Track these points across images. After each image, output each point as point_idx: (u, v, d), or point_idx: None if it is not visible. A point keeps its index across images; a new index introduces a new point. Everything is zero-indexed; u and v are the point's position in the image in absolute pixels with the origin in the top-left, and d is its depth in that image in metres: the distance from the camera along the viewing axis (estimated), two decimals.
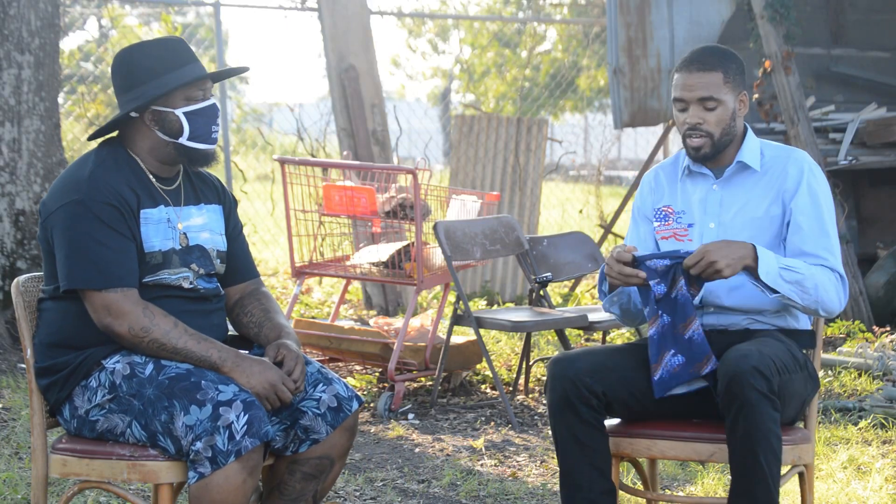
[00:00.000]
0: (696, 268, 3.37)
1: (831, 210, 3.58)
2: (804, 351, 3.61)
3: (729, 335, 3.56)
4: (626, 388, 3.48)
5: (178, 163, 3.39)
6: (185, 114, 3.32)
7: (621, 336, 7.56)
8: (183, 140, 3.33)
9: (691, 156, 3.58)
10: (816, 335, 3.66)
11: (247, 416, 3.12)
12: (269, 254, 11.36)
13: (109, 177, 3.27)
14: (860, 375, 6.56)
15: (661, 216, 3.67)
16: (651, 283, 3.43)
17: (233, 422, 3.10)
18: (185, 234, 3.37)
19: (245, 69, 3.56)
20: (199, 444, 3.10)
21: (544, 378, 6.14)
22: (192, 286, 3.36)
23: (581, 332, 7.57)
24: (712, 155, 3.56)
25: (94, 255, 3.20)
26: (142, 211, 3.30)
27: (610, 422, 3.59)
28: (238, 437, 3.10)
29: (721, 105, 3.52)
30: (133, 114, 3.32)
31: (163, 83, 3.29)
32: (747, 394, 3.24)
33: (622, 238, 9.95)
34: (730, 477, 3.38)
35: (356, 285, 8.94)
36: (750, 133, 3.63)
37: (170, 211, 3.36)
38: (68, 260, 3.22)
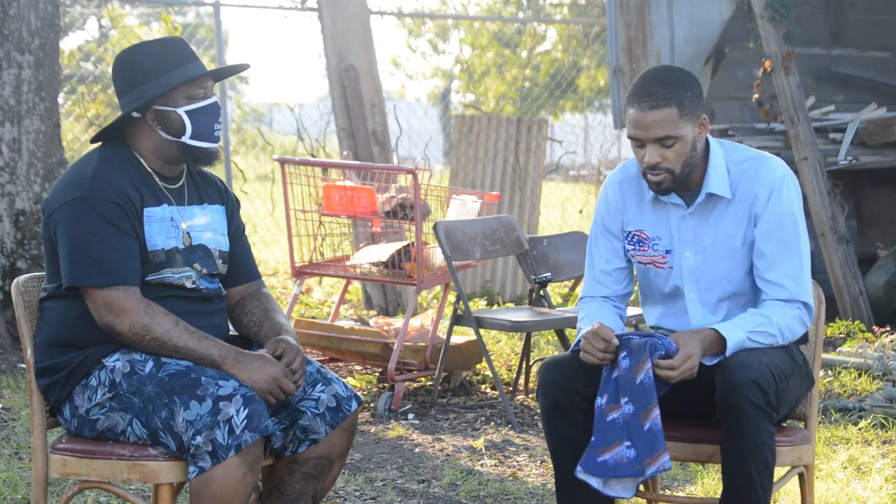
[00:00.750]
0: (680, 374, 3.30)
1: (798, 230, 3.44)
2: (801, 351, 3.60)
3: None
4: None
5: (182, 162, 3.40)
6: (186, 112, 3.32)
7: None
8: (185, 139, 3.33)
9: (654, 190, 3.44)
10: (817, 335, 3.65)
11: (247, 410, 3.12)
12: (269, 254, 11.36)
13: (113, 175, 3.28)
14: (860, 375, 6.56)
15: (635, 241, 3.56)
16: (619, 356, 3.33)
17: (233, 416, 3.11)
18: (188, 233, 3.37)
19: (246, 66, 3.56)
20: (199, 439, 3.10)
21: None
22: (194, 286, 3.36)
23: None
24: (675, 188, 3.43)
25: (97, 252, 3.21)
26: (145, 209, 3.31)
27: None
28: (238, 432, 3.10)
29: (679, 140, 3.36)
30: (135, 114, 3.33)
31: (164, 82, 3.29)
32: (744, 406, 3.23)
33: None
34: None
35: (356, 285, 8.94)
36: (713, 150, 3.46)
37: (173, 210, 3.36)
38: (71, 257, 3.23)
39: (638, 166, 3.53)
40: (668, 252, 3.52)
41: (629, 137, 3.42)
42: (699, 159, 3.44)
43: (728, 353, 3.36)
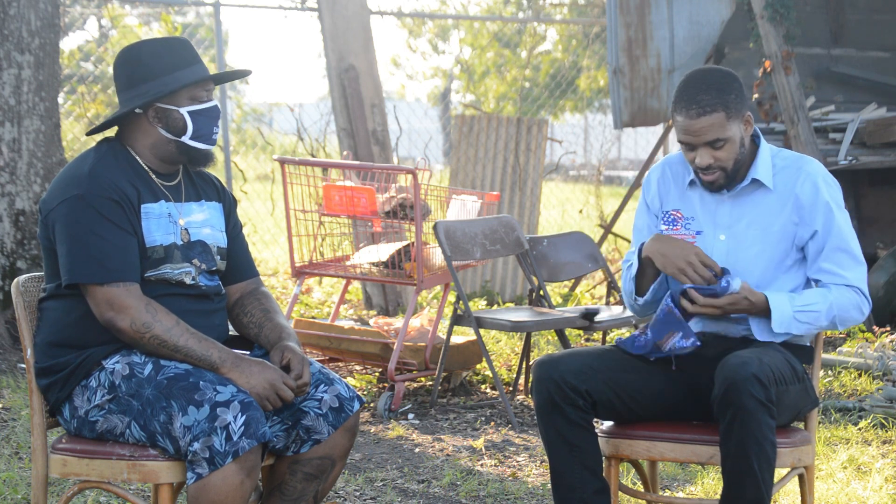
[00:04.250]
0: (720, 311, 3.44)
1: (848, 221, 3.54)
2: (803, 365, 3.60)
3: (728, 341, 3.56)
4: (612, 388, 3.48)
5: (178, 162, 3.41)
6: (189, 113, 3.34)
7: (621, 336, 7.55)
8: (185, 139, 3.34)
9: (708, 189, 3.56)
10: (815, 351, 3.65)
11: (244, 416, 3.12)
12: (269, 254, 11.36)
13: (110, 172, 3.28)
14: (860, 375, 6.56)
15: (670, 220, 3.63)
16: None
17: (230, 422, 3.10)
18: (186, 229, 3.38)
19: (248, 72, 3.57)
20: (196, 445, 3.10)
21: None
22: (193, 282, 3.36)
23: (581, 332, 7.57)
24: (727, 184, 3.54)
25: (96, 249, 3.21)
26: (142, 206, 3.31)
27: (608, 423, 3.59)
28: (235, 438, 3.10)
29: (729, 141, 3.46)
30: (137, 110, 3.34)
31: (171, 80, 3.31)
32: (745, 401, 3.23)
33: (622, 238, 9.96)
34: None
35: (356, 285, 8.94)
36: (762, 145, 3.57)
37: (171, 206, 3.37)
38: (70, 255, 3.22)
39: (682, 156, 3.65)
40: (698, 233, 3.59)
41: (679, 142, 3.51)
42: (748, 153, 3.54)
43: (774, 325, 3.43)
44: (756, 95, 8.27)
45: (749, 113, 3.51)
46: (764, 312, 3.45)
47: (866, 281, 3.53)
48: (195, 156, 3.39)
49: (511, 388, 6.40)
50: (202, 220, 3.43)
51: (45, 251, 3.33)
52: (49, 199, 3.29)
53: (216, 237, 3.45)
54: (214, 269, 3.44)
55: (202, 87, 3.36)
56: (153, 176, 3.37)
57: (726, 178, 3.51)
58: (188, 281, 3.35)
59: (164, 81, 3.30)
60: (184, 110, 3.34)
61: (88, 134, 3.51)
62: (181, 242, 3.36)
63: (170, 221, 3.35)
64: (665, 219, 3.64)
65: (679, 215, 3.62)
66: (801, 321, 3.45)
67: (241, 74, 3.57)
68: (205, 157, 3.40)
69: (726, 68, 3.55)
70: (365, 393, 6.22)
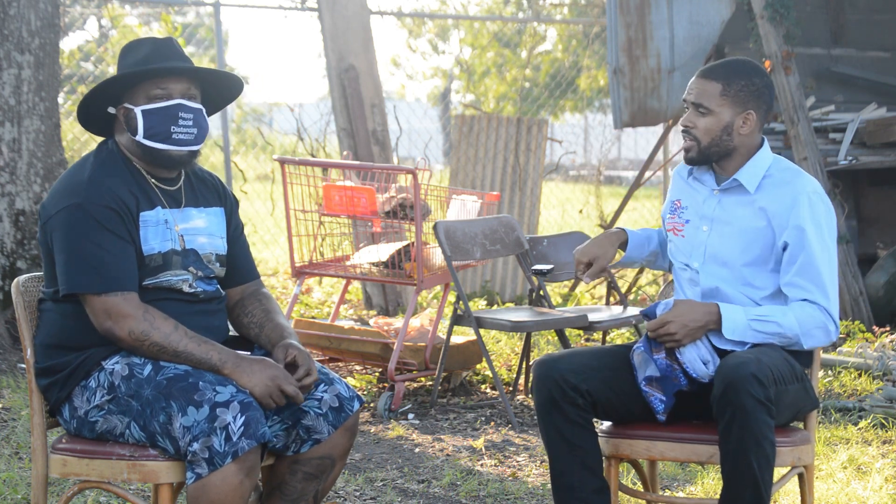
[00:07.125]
0: (654, 333, 3.46)
1: (825, 244, 3.51)
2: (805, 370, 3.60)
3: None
4: (611, 388, 3.49)
5: (153, 164, 3.35)
6: (142, 111, 3.31)
7: (621, 336, 7.56)
8: (139, 137, 3.32)
9: (684, 158, 3.64)
10: (813, 355, 3.64)
11: (244, 417, 3.12)
12: (269, 254, 11.36)
13: (109, 180, 3.27)
14: (860, 375, 6.56)
15: (673, 209, 3.73)
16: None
17: (230, 423, 3.10)
18: (182, 236, 3.37)
19: (239, 83, 3.54)
20: (196, 445, 3.10)
21: None
22: (192, 290, 3.36)
23: (581, 332, 7.57)
24: (700, 160, 3.60)
25: (94, 259, 3.20)
26: (141, 213, 3.30)
27: (608, 423, 3.60)
28: (235, 439, 3.10)
29: (712, 115, 3.53)
30: (111, 110, 3.34)
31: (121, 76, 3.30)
32: (744, 400, 3.24)
33: None
34: None
35: (356, 285, 8.94)
36: (762, 152, 3.60)
37: (167, 213, 3.35)
38: (68, 264, 3.22)
39: None
40: (687, 222, 3.67)
41: (683, 100, 3.65)
42: (736, 150, 3.58)
43: (725, 330, 3.45)
44: None
45: (751, 112, 3.55)
46: (712, 325, 3.47)
47: (837, 306, 3.51)
48: (157, 156, 3.33)
49: (511, 388, 6.39)
50: (201, 228, 3.41)
51: (44, 256, 3.33)
52: (48, 206, 3.28)
53: (215, 244, 3.44)
54: (212, 275, 3.43)
55: (155, 85, 3.31)
56: (152, 181, 3.36)
57: (699, 152, 3.58)
58: (186, 289, 3.35)
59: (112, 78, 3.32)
60: (138, 108, 3.31)
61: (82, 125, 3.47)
62: (179, 248, 3.35)
63: (166, 228, 3.34)
64: (672, 208, 3.73)
65: (678, 204, 3.72)
66: (758, 330, 3.45)
67: (231, 83, 3.52)
68: (167, 157, 3.33)
69: (764, 71, 3.61)
70: (365, 393, 6.22)
